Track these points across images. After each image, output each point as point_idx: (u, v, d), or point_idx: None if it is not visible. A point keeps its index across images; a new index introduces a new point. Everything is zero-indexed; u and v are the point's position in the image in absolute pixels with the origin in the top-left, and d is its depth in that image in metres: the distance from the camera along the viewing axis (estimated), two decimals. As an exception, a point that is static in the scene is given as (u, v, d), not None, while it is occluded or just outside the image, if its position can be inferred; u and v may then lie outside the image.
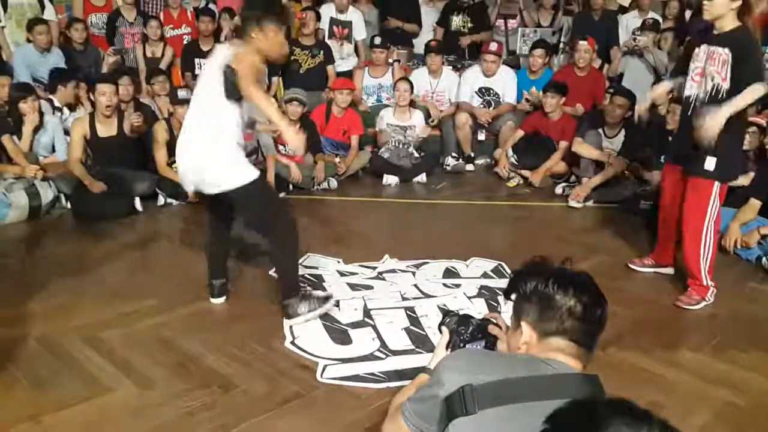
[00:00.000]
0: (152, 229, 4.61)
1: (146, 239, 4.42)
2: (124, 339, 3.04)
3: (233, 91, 2.92)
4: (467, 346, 1.89)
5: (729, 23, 3.26)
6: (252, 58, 2.91)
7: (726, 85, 3.25)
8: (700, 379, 2.89)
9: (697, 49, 3.41)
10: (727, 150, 3.35)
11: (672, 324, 3.42)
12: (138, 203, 4.78)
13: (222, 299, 3.46)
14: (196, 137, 3.04)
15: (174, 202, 4.99)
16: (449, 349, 1.92)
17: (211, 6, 6.96)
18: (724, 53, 3.25)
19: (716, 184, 3.41)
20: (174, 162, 5.01)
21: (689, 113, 3.45)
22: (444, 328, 1.98)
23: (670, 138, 3.88)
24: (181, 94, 5.00)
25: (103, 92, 4.74)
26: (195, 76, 6.27)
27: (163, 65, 6.33)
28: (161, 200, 4.96)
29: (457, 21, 7.08)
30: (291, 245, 3.20)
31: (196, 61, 6.35)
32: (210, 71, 3.02)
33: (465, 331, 1.93)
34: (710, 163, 3.35)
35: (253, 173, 3.05)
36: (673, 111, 4.94)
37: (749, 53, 3.23)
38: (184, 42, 6.63)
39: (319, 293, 3.41)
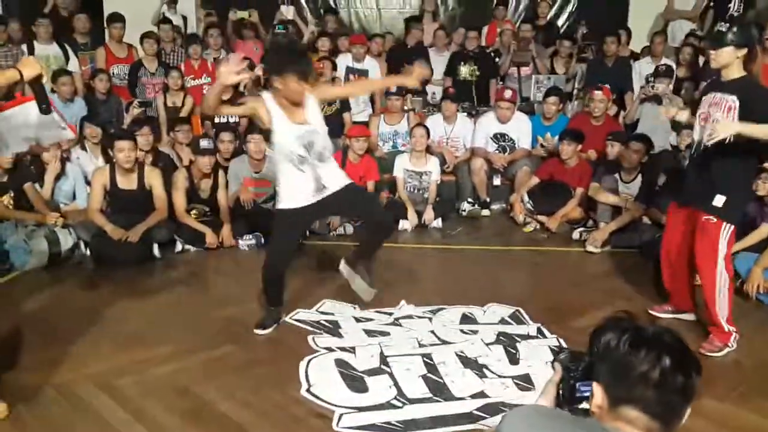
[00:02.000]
0: (169, 276, 4.63)
1: (163, 285, 4.44)
2: (138, 386, 3.03)
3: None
4: (578, 385, 1.72)
5: (735, 72, 3.33)
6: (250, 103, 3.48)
7: (718, 139, 3.21)
8: (726, 429, 2.82)
9: (705, 96, 3.49)
10: (736, 190, 3.39)
11: (695, 372, 3.34)
12: (156, 249, 4.82)
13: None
14: None
15: (191, 248, 5.03)
16: (560, 387, 1.76)
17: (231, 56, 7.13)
18: (730, 100, 3.30)
19: (724, 225, 3.40)
20: (192, 209, 5.14)
21: (695, 156, 3.51)
22: (557, 365, 1.87)
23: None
24: (203, 144, 5.08)
25: (122, 149, 4.79)
26: (214, 125, 6.40)
27: (183, 114, 6.46)
28: (179, 247, 5.00)
29: (464, 70, 7.19)
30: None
31: (217, 110, 6.46)
32: None
33: (576, 368, 1.76)
34: (719, 200, 3.37)
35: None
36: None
37: (759, 97, 3.27)
38: (204, 92, 6.76)
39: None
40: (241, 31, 7.57)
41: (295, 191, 3.46)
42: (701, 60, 6.65)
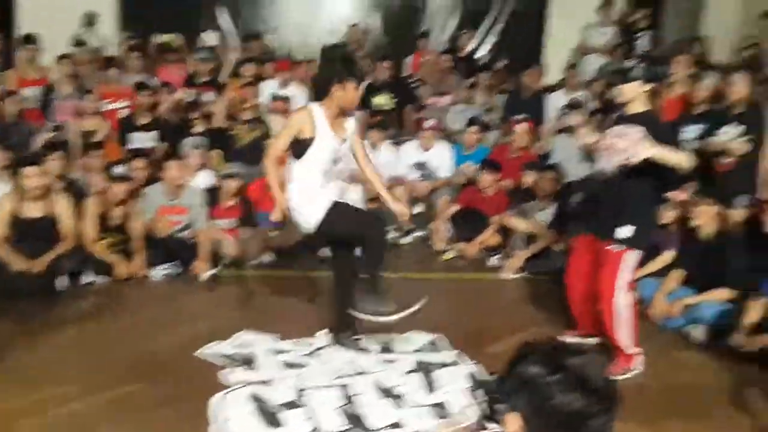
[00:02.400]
0: (76, 309, 4.42)
1: (69, 319, 4.23)
2: (39, 428, 2.90)
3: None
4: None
5: (639, 106, 3.52)
6: (296, 117, 3.50)
7: (635, 161, 3.41)
8: (629, 451, 2.92)
9: (609, 130, 3.64)
10: (643, 220, 3.53)
11: (602, 395, 3.45)
12: (62, 281, 4.60)
13: (347, 349, 3.74)
14: None
15: (100, 279, 4.84)
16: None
17: (152, 80, 6.99)
18: (634, 131, 3.43)
19: (627, 254, 3.54)
20: (103, 238, 4.96)
21: (602, 185, 3.66)
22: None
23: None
24: (118, 170, 4.93)
25: (29, 175, 4.59)
26: (131, 150, 6.22)
27: (98, 139, 6.25)
28: (87, 278, 4.80)
29: (377, 101, 7.26)
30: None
31: (134, 135, 6.31)
32: None
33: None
34: (627, 231, 3.50)
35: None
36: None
37: (660, 131, 3.44)
38: (121, 116, 6.60)
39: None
40: (163, 55, 7.44)
41: (320, 194, 3.51)
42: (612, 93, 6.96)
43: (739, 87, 4.75)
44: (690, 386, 3.55)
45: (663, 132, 3.48)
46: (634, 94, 3.49)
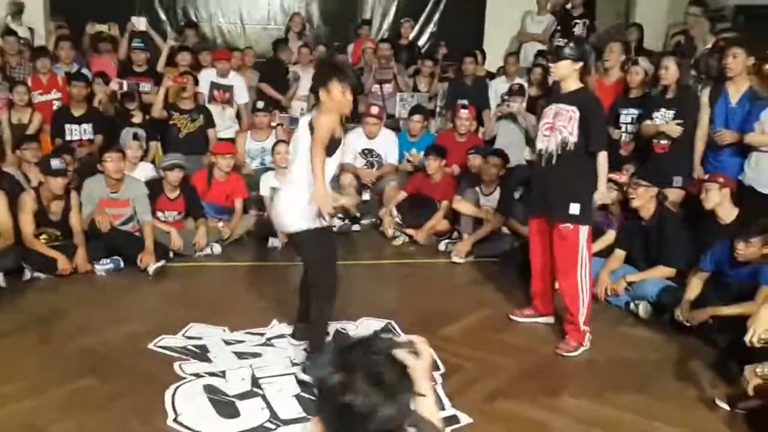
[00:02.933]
0: (18, 306, 4.23)
1: (11, 317, 4.03)
2: (-17, 429, 2.77)
3: None
4: None
5: (572, 84, 3.67)
6: (326, 119, 3.13)
7: (574, 139, 3.63)
8: (580, 422, 3.04)
9: (546, 109, 3.79)
10: (586, 194, 3.68)
11: (554, 371, 3.57)
12: (1, 278, 4.39)
13: (300, 342, 3.61)
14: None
15: (42, 276, 4.65)
16: None
17: (84, 71, 6.74)
18: (571, 110, 3.62)
19: (581, 228, 3.68)
20: (42, 233, 4.77)
21: (543, 165, 3.77)
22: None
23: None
24: (55, 163, 4.72)
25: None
26: (65, 142, 6.00)
27: (30, 131, 5.99)
28: (27, 275, 4.60)
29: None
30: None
31: (67, 126, 6.08)
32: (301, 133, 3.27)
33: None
34: (574, 208, 3.65)
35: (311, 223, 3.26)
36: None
37: (594, 110, 3.65)
38: (54, 107, 6.34)
39: None
40: (97, 44, 7.17)
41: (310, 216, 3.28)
42: (550, 79, 7.12)
43: (671, 71, 4.93)
44: (636, 360, 3.69)
45: (595, 109, 3.65)
46: (566, 72, 3.64)
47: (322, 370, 1.31)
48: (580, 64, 3.63)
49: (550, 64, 3.80)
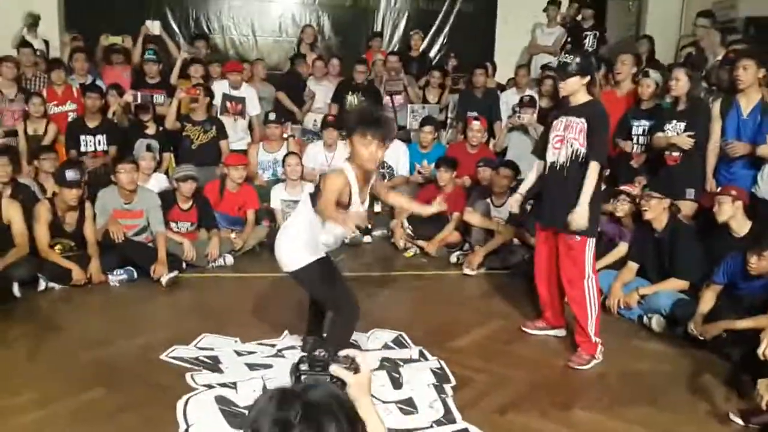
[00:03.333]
0: (32, 316, 4.27)
1: (25, 327, 4.08)
2: (-3, 439, 2.79)
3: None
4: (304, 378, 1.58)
5: (581, 97, 3.68)
6: (330, 182, 3.06)
7: (584, 150, 3.63)
8: (594, 437, 3.00)
9: (556, 121, 3.79)
10: (594, 208, 3.65)
11: (565, 385, 3.55)
12: (16, 289, 4.43)
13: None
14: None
15: (56, 286, 4.69)
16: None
17: (99, 82, 6.81)
18: (580, 122, 3.63)
19: (588, 240, 3.67)
20: (57, 244, 4.81)
21: (553, 177, 3.77)
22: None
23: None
24: (69, 175, 4.76)
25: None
26: (80, 153, 6.07)
27: (46, 142, 6.06)
28: (42, 285, 4.64)
29: (351, 100, 7.29)
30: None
31: (82, 138, 6.14)
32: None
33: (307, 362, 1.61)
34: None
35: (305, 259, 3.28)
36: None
37: (600, 121, 3.65)
38: (69, 119, 6.41)
39: None
40: (110, 56, 7.25)
41: (315, 248, 3.32)
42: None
43: (681, 83, 4.92)
44: (648, 374, 3.66)
45: (601, 120, 3.65)
46: (575, 87, 3.65)
47: (256, 417, 1.21)
48: (588, 78, 3.66)
49: (559, 82, 3.80)
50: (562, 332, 4.07)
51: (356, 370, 1.51)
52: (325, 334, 3.64)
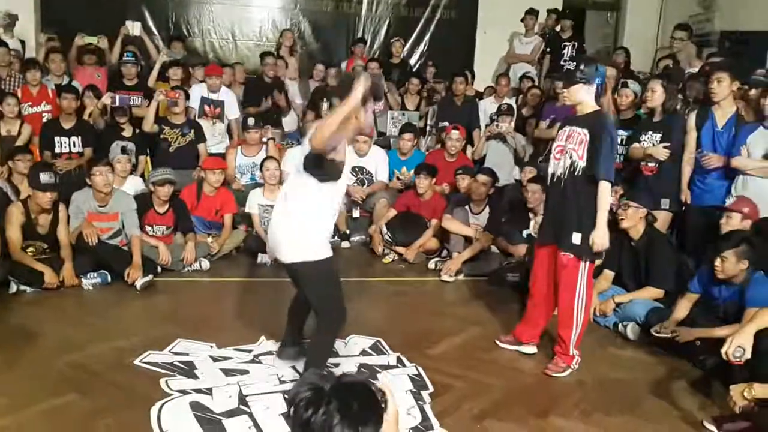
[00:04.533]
0: (2, 320, 4.17)
1: (-5, 330, 4.01)
2: (-35, 446, 2.72)
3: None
4: None
5: (587, 107, 3.56)
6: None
7: (582, 163, 3.50)
8: (572, 445, 3.02)
9: (560, 131, 3.69)
10: (591, 226, 3.50)
11: (543, 392, 3.56)
12: (-14, 291, 4.35)
13: (286, 363, 3.55)
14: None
15: (28, 289, 4.60)
16: None
17: (75, 83, 6.72)
18: (582, 133, 3.51)
19: (582, 262, 3.58)
20: (29, 246, 4.72)
21: (552, 190, 3.69)
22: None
23: (530, 214, 4.06)
24: (44, 178, 4.66)
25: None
26: (54, 155, 5.97)
27: (20, 143, 5.95)
28: (13, 288, 4.55)
29: (326, 107, 7.26)
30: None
31: (56, 139, 6.04)
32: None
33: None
34: (576, 238, 3.54)
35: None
36: (531, 190, 5.29)
37: (603, 133, 3.47)
38: (44, 120, 6.31)
39: None
40: (82, 56, 7.15)
41: (326, 239, 3.17)
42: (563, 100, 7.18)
43: (657, 94, 4.97)
44: (625, 381, 3.70)
45: (603, 130, 3.47)
46: (581, 96, 3.52)
47: (299, 386, 1.40)
48: (594, 86, 3.51)
49: (563, 90, 3.66)
50: (532, 349, 3.95)
51: (385, 404, 1.51)
52: (307, 340, 3.57)
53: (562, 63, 7.63)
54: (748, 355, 2.98)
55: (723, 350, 3.01)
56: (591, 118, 3.54)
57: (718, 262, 3.67)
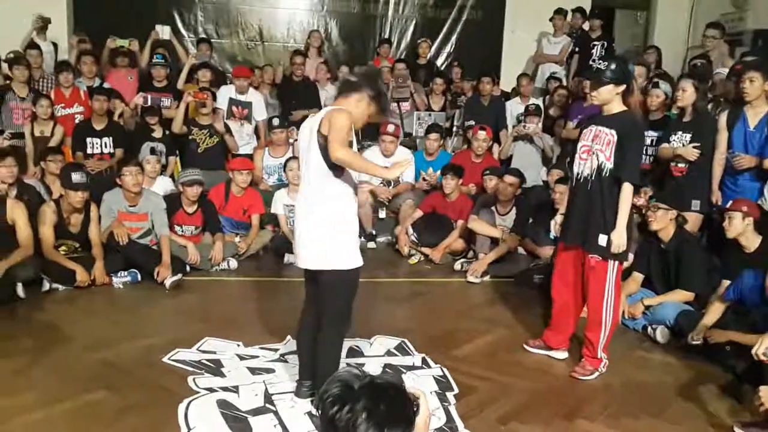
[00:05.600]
0: (35, 317, 4.28)
1: (28, 328, 4.09)
2: (-3, 439, 2.78)
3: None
4: None
5: (615, 107, 3.49)
6: (345, 118, 2.81)
7: (610, 165, 3.45)
8: (598, 448, 2.99)
9: (585, 130, 3.62)
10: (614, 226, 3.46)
11: (569, 395, 3.52)
12: (20, 289, 4.44)
13: (306, 401, 3.19)
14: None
15: (60, 287, 4.69)
16: None
17: (106, 85, 6.84)
18: (610, 134, 3.45)
19: (611, 263, 3.53)
20: (61, 245, 4.81)
21: (577, 191, 3.62)
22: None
23: (557, 216, 4.01)
24: (76, 177, 4.76)
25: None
26: (86, 156, 6.09)
27: (52, 144, 6.08)
28: (46, 286, 4.65)
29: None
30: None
31: (88, 140, 6.17)
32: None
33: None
34: (602, 240, 3.48)
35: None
36: (559, 191, 5.23)
37: (633, 135, 3.44)
38: (76, 121, 6.43)
39: None
40: (114, 59, 7.28)
41: (356, 243, 3.06)
42: (591, 100, 7.12)
43: (687, 94, 4.89)
44: (652, 385, 3.64)
45: (634, 133, 3.44)
46: (609, 96, 3.46)
47: (330, 383, 1.38)
48: (623, 86, 3.44)
49: (591, 91, 3.55)
50: (563, 354, 3.89)
51: (417, 408, 1.50)
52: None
53: (590, 63, 7.56)
54: None
55: (753, 350, 2.95)
56: (619, 119, 3.47)
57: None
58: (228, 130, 6.50)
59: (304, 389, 3.23)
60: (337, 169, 2.89)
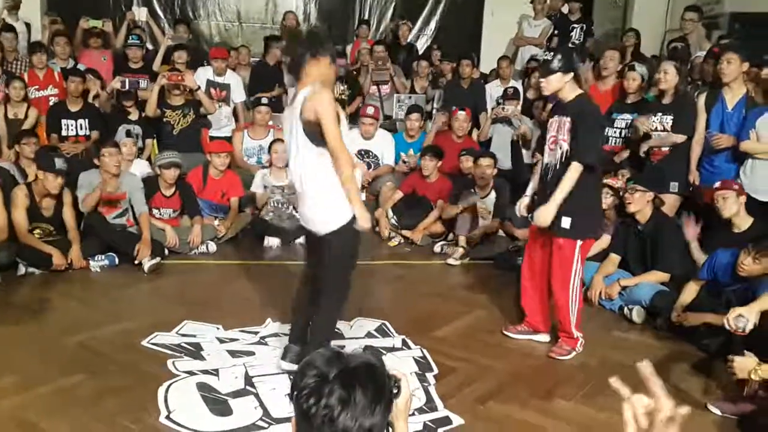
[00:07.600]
0: (11, 301, 4.22)
1: (5, 312, 4.03)
2: (-26, 424, 2.76)
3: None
4: None
5: (570, 94, 3.56)
6: (327, 95, 2.93)
7: (569, 149, 3.52)
8: (573, 425, 3.05)
9: (551, 120, 3.70)
10: (583, 210, 3.56)
11: (546, 375, 3.57)
12: (-6, 273, 4.39)
13: (291, 366, 3.26)
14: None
15: (36, 271, 4.64)
16: None
17: (80, 66, 6.71)
18: (568, 121, 3.54)
19: (576, 242, 3.60)
20: (35, 229, 4.74)
21: (546, 179, 3.69)
22: None
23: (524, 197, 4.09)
24: (58, 163, 4.67)
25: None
26: (61, 138, 5.99)
27: (26, 127, 5.96)
28: (22, 270, 4.59)
29: (335, 90, 7.23)
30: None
31: (63, 122, 6.05)
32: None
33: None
34: (565, 222, 3.55)
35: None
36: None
37: (585, 116, 3.51)
38: (50, 103, 6.32)
39: None
40: (87, 39, 7.14)
41: (344, 198, 3.10)
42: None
43: (670, 76, 4.93)
44: (629, 364, 3.66)
45: (587, 115, 3.51)
46: (558, 85, 3.54)
47: (304, 368, 1.33)
48: (571, 74, 3.52)
49: (540, 80, 3.67)
50: (545, 337, 3.92)
51: (398, 390, 1.49)
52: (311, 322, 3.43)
53: (570, 45, 7.57)
54: (750, 326, 2.98)
55: (724, 318, 3.01)
56: (574, 104, 3.55)
57: (748, 261, 3.56)
58: (199, 87, 6.39)
59: (291, 354, 3.32)
60: (323, 144, 2.97)
